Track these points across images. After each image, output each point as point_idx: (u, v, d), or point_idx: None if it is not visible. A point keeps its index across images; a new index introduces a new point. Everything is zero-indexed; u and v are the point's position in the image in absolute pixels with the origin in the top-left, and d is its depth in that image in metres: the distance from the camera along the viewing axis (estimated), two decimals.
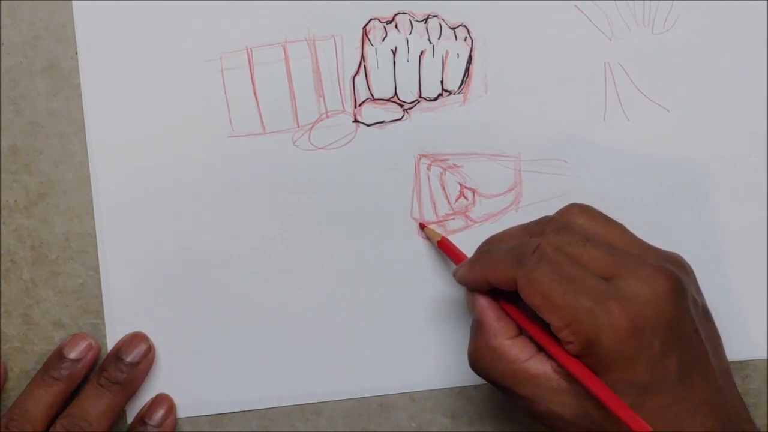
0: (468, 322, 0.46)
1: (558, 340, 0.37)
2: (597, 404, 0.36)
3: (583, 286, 0.36)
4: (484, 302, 0.40)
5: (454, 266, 0.44)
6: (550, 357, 0.37)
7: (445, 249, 0.45)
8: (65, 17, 0.45)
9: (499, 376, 0.39)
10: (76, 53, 0.45)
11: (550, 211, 0.41)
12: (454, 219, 0.46)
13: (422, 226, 0.46)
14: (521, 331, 0.39)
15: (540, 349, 0.38)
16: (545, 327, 0.37)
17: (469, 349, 0.40)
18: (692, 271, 0.40)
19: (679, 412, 0.36)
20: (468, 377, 0.47)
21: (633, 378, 0.35)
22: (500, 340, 0.39)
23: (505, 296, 0.40)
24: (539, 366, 0.38)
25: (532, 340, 0.39)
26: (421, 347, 0.47)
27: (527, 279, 0.36)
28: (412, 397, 0.47)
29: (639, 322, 0.35)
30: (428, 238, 0.46)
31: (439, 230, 0.46)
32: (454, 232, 0.46)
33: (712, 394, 0.37)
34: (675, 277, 0.37)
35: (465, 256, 0.43)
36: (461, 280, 0.41)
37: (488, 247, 0.41)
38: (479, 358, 0.39)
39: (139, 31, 0.45)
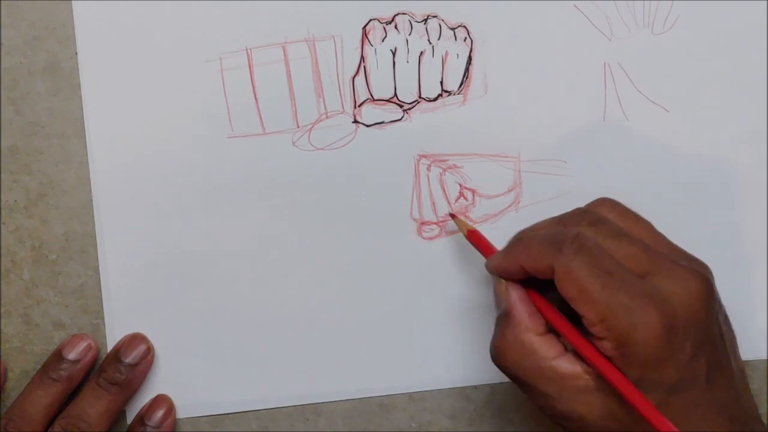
0: (467, 322, 0.46)
1: (586, 336, 0.36)
2: (624, 405, 0.36)
3: (621, 281, 0.35)
4: (517, 295, 0.39)
5: (456, 267, 0.44)
6: (579, 357, 0.37)
7: (474, 240, 0.44)
8: (65, 17, 0.45)
9: (525, 372, 0.38)
10: (76, 53, 0.45)
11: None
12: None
13: (453, 216, 0.45)
14: (549, 329, 0.38)
15: (567, 348, 0.37)
16: (573, 323, 0.37)
17: (494, 341, 0.39)
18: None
19: (704, 413, 0.36)
20: (468, 377, 0.47)
21: (663, 377, 0.35)
22: (530, 335, 0.38)
23: (535, 289, 0.39)
24: (568, 365, 0.37)
25: (558, 337, 0.38)
26: (421, 347, 0.47)
27: (566, 268, 0.36)
28: (412, 397, 0.47)
29: (673, 323, 0.35)
30: (458, 229, 0.45)
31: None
32: (454, 232, 0.46)
33: (732, 397, 0.37)
34: (707, 280, 0.37)
35: (495, 249, 0.42)
36: (495, 269, 0.40)
37: (522, 235, 0.40)
38: (506, 352, 0.38)
39: (139, 31, 0.45)
